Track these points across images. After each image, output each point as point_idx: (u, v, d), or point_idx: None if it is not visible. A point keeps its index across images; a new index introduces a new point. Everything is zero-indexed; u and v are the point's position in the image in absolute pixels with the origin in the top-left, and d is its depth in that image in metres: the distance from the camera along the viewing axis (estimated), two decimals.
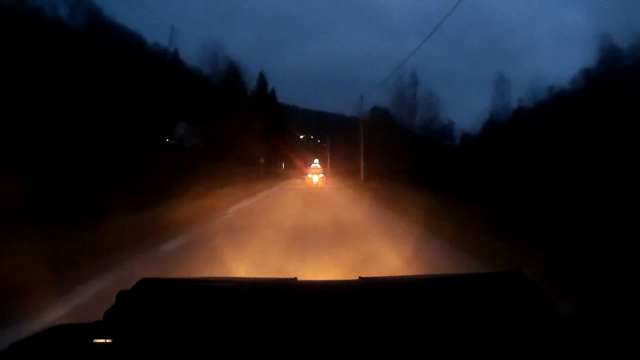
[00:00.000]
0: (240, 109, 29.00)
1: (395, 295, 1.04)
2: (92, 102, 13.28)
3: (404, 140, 27.33)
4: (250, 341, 0.85)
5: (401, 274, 3.29)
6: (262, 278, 1.30)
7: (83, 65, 13.56)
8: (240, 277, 1.47)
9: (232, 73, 34.43)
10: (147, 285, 1.05)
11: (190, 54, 28.49)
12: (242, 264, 4.08)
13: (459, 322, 0.93)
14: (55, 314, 2.99)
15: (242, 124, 27.69)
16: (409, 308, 0.97)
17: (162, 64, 22.77)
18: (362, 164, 24.65)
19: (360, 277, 1.14)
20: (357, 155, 26.69)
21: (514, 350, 0.85)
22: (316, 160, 37.32)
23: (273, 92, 48.99)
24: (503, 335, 0.89)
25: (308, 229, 6.52)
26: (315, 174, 24.07)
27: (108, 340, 0.85)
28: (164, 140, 19.54)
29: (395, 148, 25.38)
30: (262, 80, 46.21)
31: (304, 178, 25.07)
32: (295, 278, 1.16)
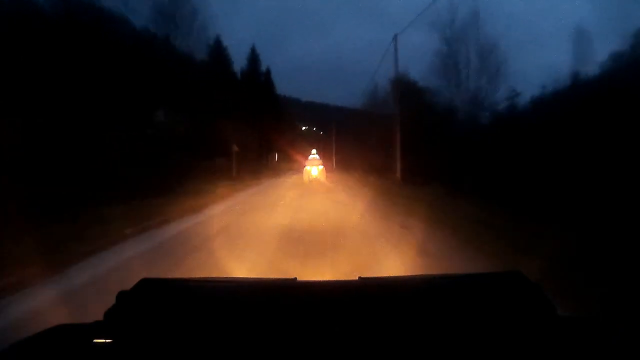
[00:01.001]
0: (225, 90, 24.37)
1: (395, 295, 1.05)
2: (69, 90, 11.32)
3: (450, 122, 18.92)
4: (251, 341, 0.85)
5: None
6: (262, 278, 1.31)
7: (58, 51, 11.58)
8: (240, 278, 1.48)
9: (217, 47, 29.25)
10: (147, 285, 1.06)
11: (185, 44, 26.67)
12: None
13: (458, 322, 0.93)
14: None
15: (226, 108, 22.86)
16: (409, 308, 0.97)
17: (151, 50, 19.30)
18: (399, 155, 15.90)
19: (360, 277, 1.14)
20: (376, 147, 20.57)
21: (514, 350, 0.85)
22: (314, 151, 31.35)
23: (268, 72, 41.23)
24: (503, 335, 0.89)
25: None
26: (313, 166, 20.63)
27: (108, 340, 0.86)
28: (144, 130, 15.65)
29: (438, 135, 17.24)
30: (253, 57, 38.99)
31: (303, 173, 21.10)
32: (295, 278, 1.16)
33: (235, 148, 21.62)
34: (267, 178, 23.52)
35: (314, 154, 29.48)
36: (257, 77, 38.72)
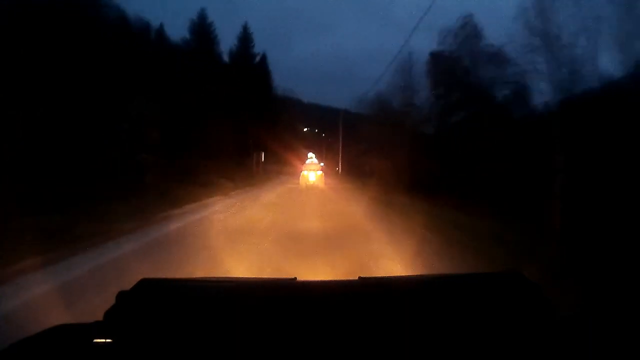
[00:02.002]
0: (208, 75, 20.25)
1: (394, 295, 1.05)
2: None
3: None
4: (250, 341, 0.86)
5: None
6: (262, 278, 1.32)
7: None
8: (240, 277, 1.48)
9: (200, 25, 25.14)
10: (147, 286, 1.06)
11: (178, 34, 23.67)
12: None
13: (458, 322, 0.93)
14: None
15: (205, 97, 18.41)
16: (409, 308, 0.97)
17: (145, 40, 17.38)
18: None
19: (360, 277, 1.14)
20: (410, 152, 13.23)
21: (514, 350, 0.86)
22: (311, 155, 28.52)
23: (264, 58, 33.51)
24: (502, 335, 0.89)
25: None
26: (311, 171, 18.69)
27: (108, 340, 0.86)
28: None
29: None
30: (245, 36, 31.81)
31: (300, 178, 18.77)
32: (295, 278, 1.17)
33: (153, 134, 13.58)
34: (226, 194, 13.22)
35: (311, 158, 25.62)
36: (248, 60, 31.82)
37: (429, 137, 14.02)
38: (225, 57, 30.00)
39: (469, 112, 12.20)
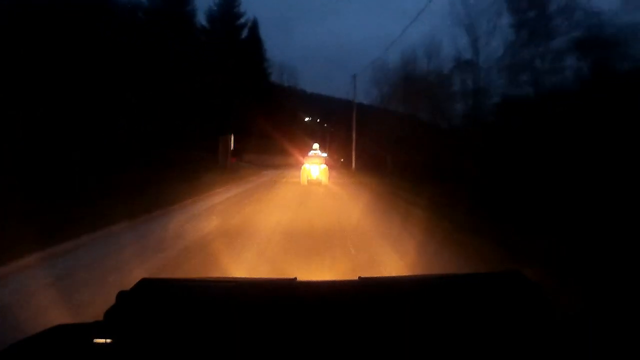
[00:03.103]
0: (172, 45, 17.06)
1: (394, 296, 1.05)
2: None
3: None
4: (250, 341, 0.86)
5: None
6: (262, 278, 1.32)
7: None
8: (240, 277, 1.49)
9: None
10: (147, 286, 1.06)
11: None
12: None
13: (458, 322, 0.93)
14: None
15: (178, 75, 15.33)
16: (409, 308, 0.97)
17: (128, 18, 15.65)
18: None
19: (360, 277, 1.14)
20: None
21: (514, 350, 0.86)
22: (315, 146, 24.51)
23: (255, 25, 28.58)
24: (502, 335, 0.89)
25: None
26: (314, 164, 16.15)
27: (108, 340, 0.86)
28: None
29: None
30: None
31: (301, 173, 16.32)
32: (295, 278, 1.16)
33: None
34: None
35: (315, 149, 22.50)
36: (231, 22, 26.82)
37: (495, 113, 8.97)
38: (203, 20, 25.77)
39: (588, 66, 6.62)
